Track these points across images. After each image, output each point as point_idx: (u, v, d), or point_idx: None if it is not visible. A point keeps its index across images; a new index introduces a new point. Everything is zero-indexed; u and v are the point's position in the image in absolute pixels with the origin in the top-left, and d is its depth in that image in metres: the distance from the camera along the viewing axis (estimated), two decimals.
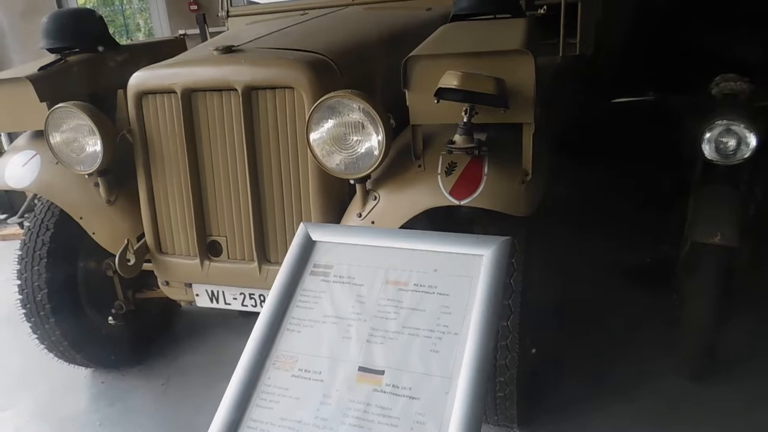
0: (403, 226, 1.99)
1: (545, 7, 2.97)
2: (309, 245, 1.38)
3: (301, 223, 1.44)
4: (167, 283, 2.45)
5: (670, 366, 2.57)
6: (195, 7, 6.50)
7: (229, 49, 2.15)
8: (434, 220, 2.24)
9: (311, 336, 1.26)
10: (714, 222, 2.34)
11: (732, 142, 2.36)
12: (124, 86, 2.28)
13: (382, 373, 1.18)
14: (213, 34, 3.80)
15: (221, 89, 2.13)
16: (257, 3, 3.67)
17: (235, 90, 2.09)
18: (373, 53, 2.43)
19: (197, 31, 4.17)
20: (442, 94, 1.69)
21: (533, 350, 2.20)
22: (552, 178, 2.29)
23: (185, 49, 3.13)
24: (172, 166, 2.27)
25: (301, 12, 3.21)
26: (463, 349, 1.13)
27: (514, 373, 2.03)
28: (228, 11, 3.63)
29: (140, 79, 2.25)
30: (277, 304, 1.28)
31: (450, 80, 1.65)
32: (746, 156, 2.35)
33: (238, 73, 2.09)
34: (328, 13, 3.05)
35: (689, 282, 2.49)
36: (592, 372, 2.62)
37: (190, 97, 2.17)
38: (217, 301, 2.35)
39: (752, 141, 2.32)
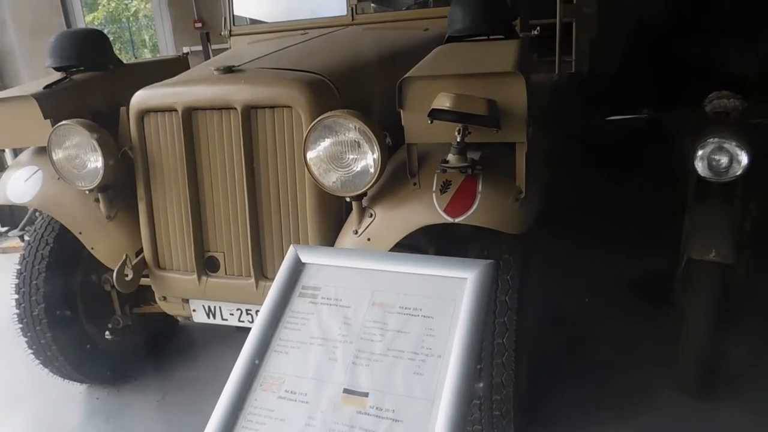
0: (399, 243, 2.02)
1: (539, 28, 3.01)
2: (298, 267, 1.41)
3: (291, 246, 1.47)
4: (164, 299, 2.47)
5: (670, 381, 2.57)
6: (200, 24, 6.60)
7: (229, 69, 2.20)
8: (432, 237, 2.27)
9: (298, 357, 1.28)
10: (709, 238, 2.36)
11: (724, 160, 2.39)
12: (127, 104, 2.32)
13: (366, 395, 1.19)
14: (216, 52, 3.86)
15: (221, 108, 2.17)
16: (259, 22, 3.74)
17: (235, 109, 2.13)
18: (371, 73, 2.48)
19: (201, 47, 4.24)
20: (435, 114, 1.73)
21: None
22: (549, 194, 2.32)
23: (188, 67, 3.18)
24: (172, 183, 2.30)
25: (302, 31, 3.27)
26: (445, 371, 1.14)
27: (511, 390, 2.04)
28: (231, 30, 3.69)
29: (142, 97, 2.29)
30: (265, 326, 1.30)
31: (443, 101, 1.68)
32: (738, 173, 2.37)
33: (237, 93, 2.12)
34: (327, 33, 3.10)
35: (686, 297, 2.50)
36: (591, 387, 2.63)
37: (190, 115, 2.21)
38: (214, 317, 2.36)
39: (744, 159, 2.34)
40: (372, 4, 3.76)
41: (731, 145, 2.38)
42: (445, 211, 1.88)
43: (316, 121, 1.90)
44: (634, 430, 2.39)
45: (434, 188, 1.91)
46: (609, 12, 4.46)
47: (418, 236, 2.07)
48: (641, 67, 5.11)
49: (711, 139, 2.41)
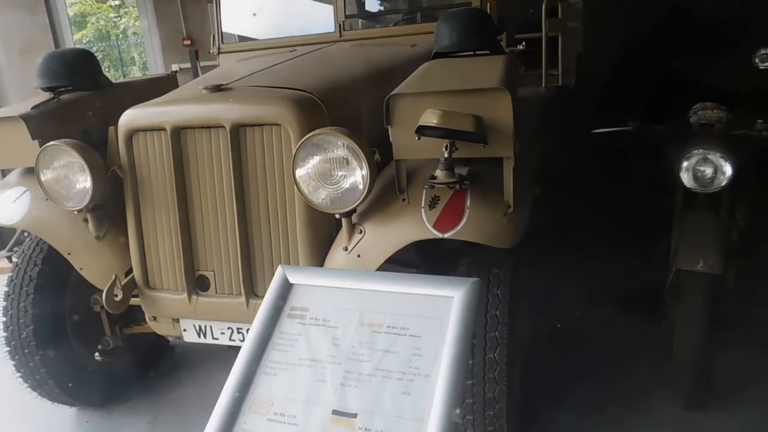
0: (390, 259, 2.03)
1: (524, 42, 3.05)
2: (286, 288, 1.41)
3: (279, 266, 1.47)
4: (155, 319, 2.45)
5: (665, 394, 2.58)
6: (189, 42, 6.62)
7: (218, 88, 2.20)
8: (422, 253, 2.27)
9: (287, 379, 1.27)
10: (697, 249, 2.38)
11: (709, 171, 2.42)
12: (116, 123, 2.32)
13: (355, 416, 1.18)
14: (205, 69, 3.87)
15: (210, 126, 2.17)
16: (248, 39, 3.76)
17: (224, 127, 2.13)
18: (359, 89, 2.49)
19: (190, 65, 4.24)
20: (422, 131, 1.74)
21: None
22: (538, 208, 2.33)
23: (177, 85, 3.18)
24: (161, 202, 2.30)
25: (290, 49, 3.29)
26: (433, 391, 1.14)
27: (503, 407, 2.03)
28: (219, 48, 3.70)
29: (131, 117, 2.29)
30: (254, 347, 1.30)
31: (430, 118, 1.70)
32: (723, 184, 2.40)
33: (226, 111, 2.13)
34: (315, 50, 3.12)
35: (676, 308, 2.51)
36: (586, 400, 2.63)
37: (179, 134, 2.21)
38: (205, 336, 2.35)
39: (728, 170, 2.37)
40: (360, 21, 3.80)
41: (715, 157, 2.41)
42: (434, 226, 1.88)
43: (304, 138, 1.91)
44: None
45: (423, 204, 1.92)
46: (594, 26, 4.52)
47: (409, 252, 2.07)
48: (627, 80, 5.18)
49: (696, 151, 2.44)
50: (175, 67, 5.83)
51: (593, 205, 4.15)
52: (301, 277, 1.39)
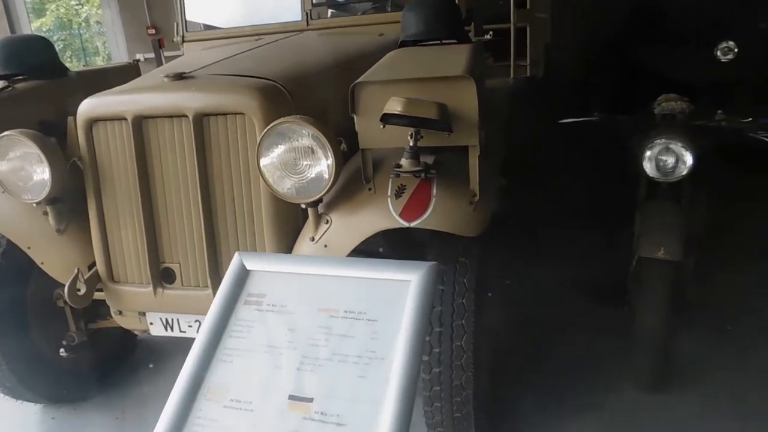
0: (357, 249, 2.02)
1: (491, 32, 3.06)
2: (243, 274, 1.39)
3: (236, 253, 1.45)
4: (120, 313, 2.41)
5: (628, 378, 2.63)
6: (153, 31, 6.48)
7: (180, 76, 2.16)
8: (389, 242, 2.27)
9: (243, 366, 1.26)
10: (658, 237, 2.43)
11: (671, 160, 2.47)
12: (75, 113, 2.26)
13: (311, 400, 1.18)
14: (169, 59, 3.80)
15: (172, 116, 2.13)
16: (213, 28, 3.70)
17: (186, 117, 2.09)
18: (326, 78, 2.47)
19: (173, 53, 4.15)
20: (387, 119, 1.73)
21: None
22: (505, 197, 2.35)
23: (139, 74, 3.12)
24: (124, 194, 2.25)
25: (256, 37, 3.24)
26: (389, 374, 1.15)
27: (470, 393, 2.05)
28: (183, 36, 3.63)
29: (90, 106, 2.23)
30: (209, 335, 1.29)
31: (394, 106, 1.69)
32: (684, 173, 2.45)
33: (188, 100, 2.09)
34: (282, 39, 3.08)
35: (638, 295, 2.57)
36: (551, 385, 2.67)
37: (141, 124, 2.16)
38: (172, 329, 2.32)
39: (689, 159, 2.43)
40: (328, 10, 3.77)
41: (677, 146, 2.46)
42: (400, 215, 1.88)
43: (269, 127, 1.89)
44: (593, 425, 2.44)
45: (389, 193, 1.92)
46: (562, 17, 4.56)
47: (376, 241, 2.07)
48: (594, 71, 5.25)
49: (658, 141, 2.49)
50: (139, 57, 5.71)
51: (561, 195, 4.21)
52: (258, 264, 1.38)
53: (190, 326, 2.31)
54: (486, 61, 4.24)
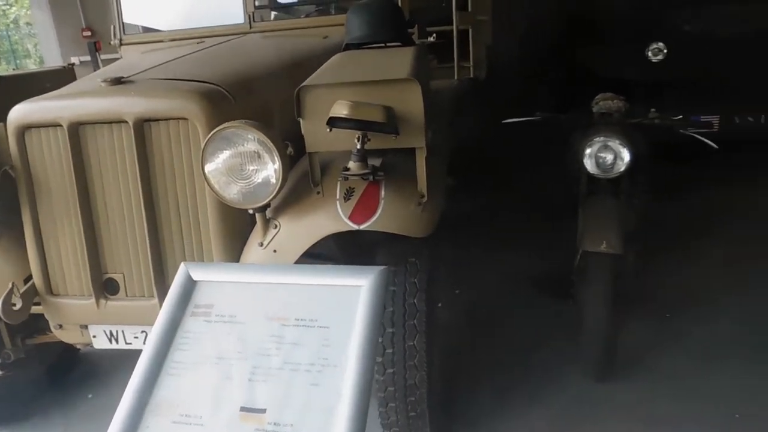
0: (307, 253, 2.01)
1: (435, 35, 3.10)
2: (190, 285, 1.36)
3: (182, 263, 1.42)
4: (60, 327, 2.31)
5: (576, 369, 2.72)
6: (88, 33, 6.24)
7: (118, 81, 2.09)
8: (340, 245, 2.27)
9: (192, 379, 1.24)
10: (600, 232, 2.52)
11: (609, 157, 2.56)
12: (5, 119, 2.16)
13: (264, 411, 1.16)
14: (107, 62, 3.67)
15: (111, 122, 2.07)
16: (153, 31, 3.60)
17: (126, 122, 2.03)
18: (270, 81, 2.45)
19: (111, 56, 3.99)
20: (333, 123, 1.73)
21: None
22: (452, 197, 2.38)
23: (74, 78, 3.00)
24: (62, 203, 2.16)
25: (198, 40, 3.18)
26: (342, 381, 1.14)
27: (425, 392, 2.07)
28: (121, 39, 3.52)
29: (21, 112, 2.13)
30: (156, 348, 1.25)
31: (340, 110, 1.69)
32: (622, 169, 2.56)
33: (128, 105, 2.03)
34: (225, 42, 3.03)
35: (583, 288, 2.65)
36: (503, 380, 2.72)
37: (77, 130, 2.09)
38: (117, 342, 2.24)
39: (626, 156, 2.53)
40: (272, 12, 3.73)
41: (615, 144, 2.56)
42: (349, 218, 1.89)
43: (213, 132, 1.85)
44: (545, 416, 2.50)
45: (338, 196, 1.92)
46: (503, 20, 4.67)
47: (327, 244, 2.06)
48: (535, 71, 5.40)
49: (597, 138, 2.58)
50: (74, 60, 5.49)
51: (507, 192, 4.31)
52: (205, 274, 1.35)
53: (136, 337, 2.24)
54: (430, 62, 4.29)
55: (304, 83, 1.86)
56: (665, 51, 4.49)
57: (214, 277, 1.34)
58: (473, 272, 3.50)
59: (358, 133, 1.77)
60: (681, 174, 4.53)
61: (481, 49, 4.35)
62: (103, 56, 3.84)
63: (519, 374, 2.77)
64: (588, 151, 2.59)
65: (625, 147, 2.54)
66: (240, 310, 1.27)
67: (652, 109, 2.76)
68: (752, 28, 4.43)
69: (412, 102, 1.80)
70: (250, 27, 3.29)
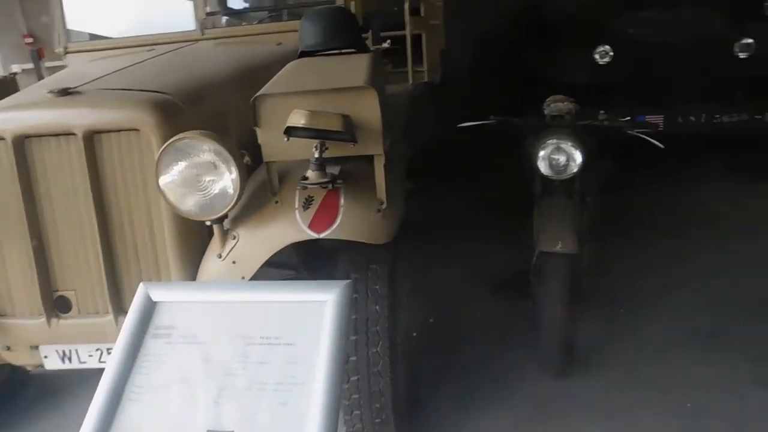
0: (268, 263, 1.99)
1: (389, 40, 3.12)
2: (149, 306, 1.33)
3: (141, 284, 1.38)
4: (8, 348, 2.22)
5: (535, 367, 2.77)
6: (31, 40, 6.00)
7: (65, 92, 2.03)
8: (301, 253, 2.26)
9: (155, 404, 1.20)
10: (555, 232, 2.58)
11: (562, 159, 2.63)
12: None
13: None
14: (52, 70, 3.54)
15: (59, 134, 2.00)
16: (100, 38, 3.50)
17: (75, 135, 1.97)
18: (225, 90, 2.41)
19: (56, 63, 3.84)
20: (290, 132, 1.72)
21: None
22: (411, 202, 2.39)
23: (17, 89, 2.89)
24: (7, 220, 2.08)
25: (148, 48, 3.11)
26: (311, 398, 1.13)
27: (389, 398, 2.08)
28: (66, 47, 3.41)
29: None
30: (116, 374, 1.21)
31: (297, 119, 1.68)
32: (575, 171, 2.62)
33: (77, 117, 1.97)
34: (176, 49, 2.97)
35: (540, 287, 2.71)
36: (466, 381, 2.75)
37: (23, 143, 2.01)
38: (70, 361, 2.16)
39: (578, 157, 2.60)
40: (225, 18, 3.68)
41: (567, 146, 2.62)
42: (309, 227, 1.88)
43: (166, 144, 1.82)
44: (507, 416, 2.54)
45: (297, 205, 1.90)
46: (455, 24, 4.74)
47: (287, 253, 2.05)
48: (488, 74, 5.50)
49: (550, 141, 2.64)
50: (15, 69, 5.27)
51: (465, 195, 4.36)
52: (165, 294, 1.32)
53: (90, 356, 2.17)
54: (385, 67, 4.32)
55: (260, 92, 1.84)
56: (611, 54, 4.63)
57: (174, 297, 1.31)
58: (435, 274, 3.53)
59: (316, 142, 1.76)
60: (631, 172, 4.68)
61: (435, 54, 4.39)
62: (48, 64, 3.69)
63: (482, 375, 2.80)
64: (541, 153, 2.65)
65: (577, 149, 2.60)
66: (203, 330, 1.24)
67: (601, 111, 2.85)
68: (689, 32, 4.62)
69: (369, 109, 1.81)
70: (202, 34, 3.24)
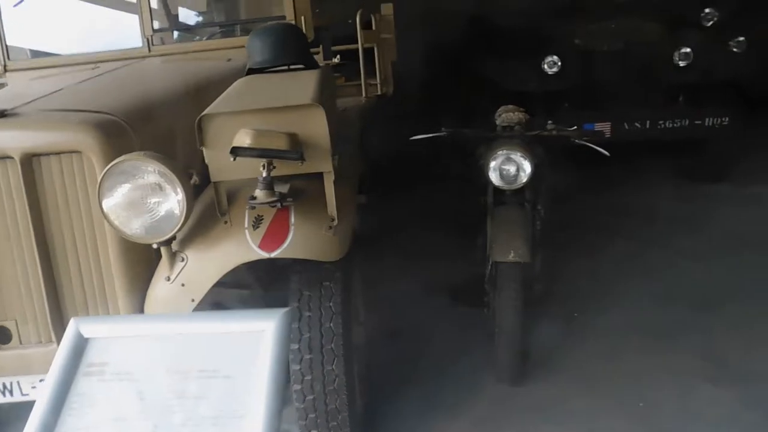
0: (220, 283, 1.96)
1: (339, 56, 3.13)
2: (81, 343, 1.28)
3: (72, 319, 1.33)
4: None
5: (492, 375, 2.79)
6: None
7: (2, 113, 1.95)
8: (253, 272, 2.22)
9: None
10: (507, 242, 2.62)
11: (512, 169, 2.68)
12: None
13: None
14: None
15: None
16: (44, 54, 3.40)
17: (12, 158, 1.90)
18: (172, 108, 2.37)
19: None
20: (236, 152, 1.70)
21: None
22: (365, 216, 2.40)
23: None
24: None
25: (93, 66, 3.03)
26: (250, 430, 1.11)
27: (346, 415, 2.07)
28: (5, 65, 3.29)
29: None
30: (45, 416, 1.16)
31: (243, 139, 1.67)
32: (524, 181, 2.67)
33: (13, 140, 1.90)
34: (122, 67, 2.91)
35: (495, 296, 2.74)
36: (423, 394, 2.76)
37: None
38: (12, 394, 2.07)
39: (527, 167, 2.65)
40: (176, 33, 3.62)
41: (517, 156, 2.67)
42: (259, 246, 1.85)
43: (109, 166, 1.77)
44: (466, 424, 2.56)
45: (246, 225, 1.88)
46: (407, 36, 4.78)
47: (239, 273, 2.01)
48: (440, 86, 5.56)
49: (500, 152, 2.69)
50: None
51: (419, 208, 4.39)
52: (98, 329, 1.28)
53: (34, 387, 2.07)
54: (338, 80, 4.32)
55: (205, 111, 1.82)
56: (559, 64, 4.75)
57: (106, 333, 1.27)
58: (393, 284, 3.53)
59: (263, 161, 1.74)
60: (579, 179, 4.81)
61: (387, 66, 4.42)
62: None
63: (438, 385, 2.81)
64: (492, 164, 2.69)
65: (526, 159, 2.65)
66: (137, 365, 1.20)
67: (549, 121, 2.91)
68: (633, 42, 4.79)
69: (316, 127, 1.80)
70: (149, 51, 3.18)
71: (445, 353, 3.04)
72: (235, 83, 2.22)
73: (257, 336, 1.18)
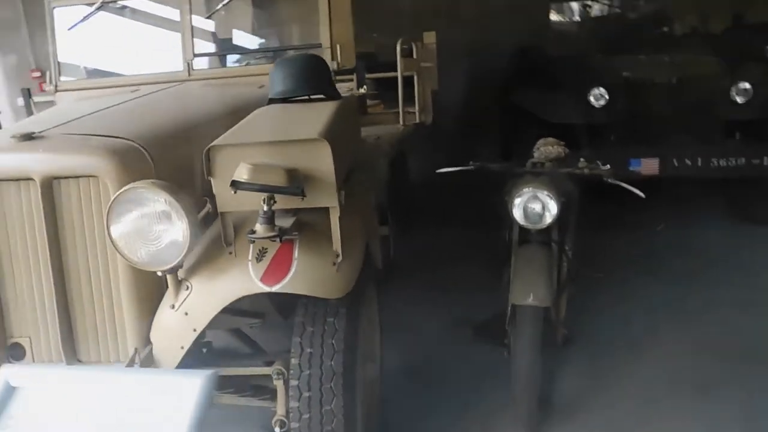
0: (230, 311, 1.95)
1: (365, 86, 3.12)
2: (8, 393, 1.27)
3: (2, 367, 1.34)
4: None
5: (509, 419, 2.67)
6: (38, 74, 6.11)
7: (29, 136, 2.03)
8: (258, 303, 2.21)
9: None
10: (528, 284, 2.51)
11: (538, 208, 2.57)
12: None
13: None
14: (43, 106, 3.59)
15: (18, 179, 2.00)
16: (97, 72, 3.55)
17: (34, 180, 1.97)
18: (196, 134, 2.39)
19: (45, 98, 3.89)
20: (236, 185, 1.70)
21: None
22: (388, 247, 2.35)
23: None
24: None
25: (134, 88, 3.13)
26: None
27: None
28: (57, 85, 3.46)
29: None
30: None
31: (242, 173, 1.67)
32: (549, 222, 2.56)
33: (35, 162, 1.96)
34: (160, 90, 3.00)
35: (514, 339, 2.63)
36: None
37: None
38: None
39: (553, 208, 2.54)
40: (216, 59, 3.71)
41: (543, 195, 2.57)
42: (261, 280, 1.84)
43: (117, 194, 1.80)
44: None
45: (250, 257, 1.87)
46: (448, 66, 4.75)
47: (245, 303, 2.01)
48: (482, 117, 5.49)
49: (526, 189, 2.59)
50: (20, 102, 5.36)
51: (448, 239, 4.29)
52: (26, 379, 1.27)
53: None
54: (376, 107, 4.33)
55: (213, 142, 1.83)
56: (606, 96, 4.61)
57: (34, 384, 1.26)
58: (412, 319, 3.46)
59: (264, 195, 1.74)
60: (616, 215, 4.61)
61: (427, 95, 4.41)
62: (40, 99, 3.73)
63: (455, 426, 2.71)
64: (517, 201, 2.60)
65: (552, 198, 2.55)
66: (57, 419, 1.18)
67: (581, 159, 2.80)
68: (686, 75, 4.59)
69: (322, 162, 1.78)
70: (189, 75, 3.26)
71: (464, 395, 2.93)
72: (253, 113, 2.24)
73: (179, 396, 1.15)
